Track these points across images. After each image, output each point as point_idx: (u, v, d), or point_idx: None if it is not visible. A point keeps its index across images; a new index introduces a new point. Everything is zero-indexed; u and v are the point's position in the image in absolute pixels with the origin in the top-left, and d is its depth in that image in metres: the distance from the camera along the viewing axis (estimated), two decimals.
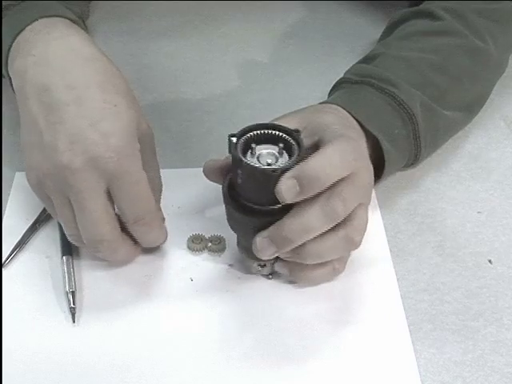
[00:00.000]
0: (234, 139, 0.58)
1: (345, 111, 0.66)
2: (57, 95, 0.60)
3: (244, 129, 0.59)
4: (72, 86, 0.60)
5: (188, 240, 0.67)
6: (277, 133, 0.59)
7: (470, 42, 0.75)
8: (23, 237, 0.67)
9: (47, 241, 0.67)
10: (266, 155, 0.58)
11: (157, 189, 0.65)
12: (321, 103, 0.69)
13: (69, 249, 0.65)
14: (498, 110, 0.82)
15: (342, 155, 0.57)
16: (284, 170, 0.56)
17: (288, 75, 0.88)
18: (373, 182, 0.63)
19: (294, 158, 0.57)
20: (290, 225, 0.57)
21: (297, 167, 0.56)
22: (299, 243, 0.58)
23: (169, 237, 0.67)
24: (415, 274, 0.65)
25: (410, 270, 0.65)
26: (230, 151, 0.58)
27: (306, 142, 0.60)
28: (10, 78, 0.67)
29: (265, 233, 0.59)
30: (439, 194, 0.73)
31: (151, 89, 0.85)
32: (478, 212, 0.71)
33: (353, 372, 0.58)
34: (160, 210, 0.65)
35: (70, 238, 0.63)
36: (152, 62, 0.89)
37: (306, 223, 0.57)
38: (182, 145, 0.77)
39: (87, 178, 0.58)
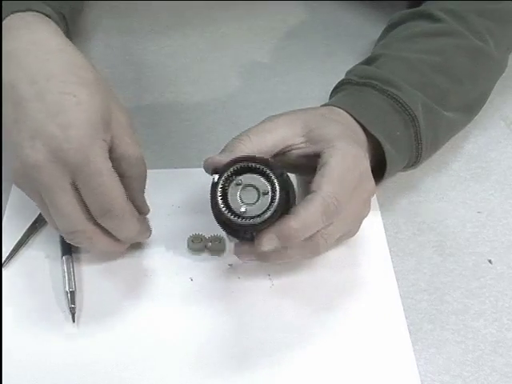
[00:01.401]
0: (216, 177, 0.58)
1: (348, 115, 0.66)
2: (20, 92, 0.59)
3: (231, 161, 0.58)
4: (34, 80, 0.59)
5: (188, 240, 0.67)
6: (264, 169, 0.57)
7: (470, 42, 0.75)
8: (23, 237, 0.67)
9: (47, 241, 0.67)
10: (246, 193, 0.58)
11: (138, 177, 0.63)
12: (324, 105, 0.69)
13: (69, 249, 0.65)
14: (498, 109, 0.82)
15: (328, 208, 0.58)
16: (254, 225, 0.57)
17: (288, 75, 0.88)
18: (370, 198, 0.63)
19: (268, 215, 0.57)
20: (273, 253, 0.59)
21: (280, 227, 0.57)
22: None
23: (169, 237, 0.67)
24: (415, 274, 0.65)
25: (409, 270, 0.65)
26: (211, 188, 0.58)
27: (309, 149, 0.61)
28: None
29: (247, 248, 0.60)
30: (439, 194, 0.73)
31: (151, 89, 0.85)
32: (478, 212, 0.71)
33: (353, 372, 0.58)
34: (142, 201, 0.64)
35: (56, 230, 0.62)
36: (152, 62, 0.89)
37: (287, 254, 0.60)
38: (181, 145, 0.77)
39: (51, 172, 0.57)
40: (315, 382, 0.57)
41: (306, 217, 0.58)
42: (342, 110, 0.66)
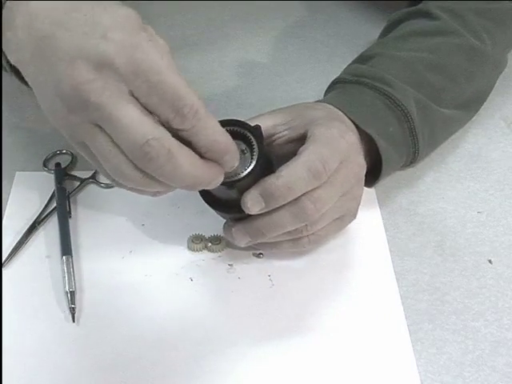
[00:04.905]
0: None
1: (338, 111, 0.66)
2: (39, 26, 0.53)
3: None
4: (51, 13, 0.53)
5: (188, 240, 0.67)
6: (237, 129, 0.58)
7: (466, 41, 0.75)
8: (23, 237, 0.67)
9: (47, 241, 0.67)
10: None
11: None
12: (314, 102, 0.69)
13: (69, 248, 0.65)
14: (498, 110, 0.82)
15: (311, 166, 0.58)
16: (238, 181, 0.57)
17: (288, 75, 0.88)
18: (361, 173, 0.64)
19: (250, 169, 0.58)
20: (262, 222, 0.60)
21: (262, 184, 0.58)
22: (272, 236, 0.61)
23: (169, 237, 0.67)
24: (415, 274, 0.65)
25: (409, 270, 0.65)
26: None
27: (292, 134, 0.63)
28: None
29: (240, 225, 0.61)
30: (439, 194, 0.73)
31: None
32: (478, 212, 0.71)
33: (353, 372, 0.58)
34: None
35: (118, 175, 0.54)
36: None
37: (276, 221, 0.60)
38: None
39: (102, 85, 0.50)
40: (315, 382, 0.57)
41: (289, 174, 0.58)
42: (328, 104, 0.67)
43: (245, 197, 0.58)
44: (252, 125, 0.59)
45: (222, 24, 0.96)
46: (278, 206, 0.59)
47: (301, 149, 0.60)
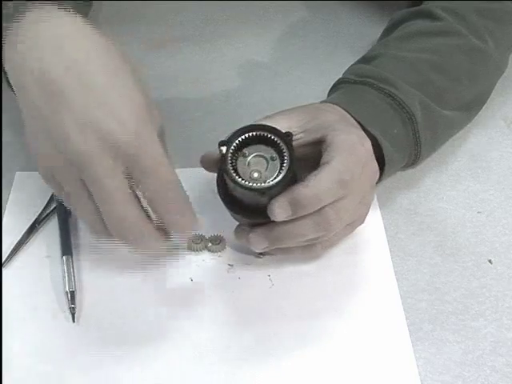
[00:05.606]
0: (224, 149, 0.58)
1: (344, 111, 0.66)
2: (55, 78, 0.56)
3: (235, 132, 0.59)
4: (70, 66, 0.57)
5: (188, 240, 0.67)
6: (268, 135, 0.58)
7: (469, 41, 0.75)
8: (23, 237, 0.67)
9: (47, 241, 0.67)
10: (255, 163, 0.58)
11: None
12: (321, 102, 0.69)
13: (69, 248, 0.65)
14: (498, 110, 0.82)
15: (340, 177, 0.58)
16: (270, 188, 0.57)
17: (288, 75, 0.88)
18: (375, 179, 0.64)
19: (282, 176, 0.57)
20: (283, 229, 0.59)
21: (291, 192, 0.58)
22: (292, 245, 0.61)
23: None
24: (415, 274, 0.65)
25: (409, 270, 0.66)
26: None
27: (308, 138, 0.62)
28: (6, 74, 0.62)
29: (259, 231, 0.60)
30: (439, 194, 0.73)
31: (151, 89, 0.85)
32: (478, 212, 0.71)
33: (353, 372, 0.58)
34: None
35: (89, 227, 0.60)
36: (152, 63, 0.89)
37: (298, 230, 0.59)
38: (181, 145, 0.77)
39: (104, 160, 0.55)
40: (315, 382, 0.57)
41: (318, 184, 0.58)
42: (338, 107, 0.67)
43: (273, 204, 0.58)
44: (283, 131, 0.59)
45: (222, 24, 0.96)
46: (304, 214, 0.58)
47: (326, 157, 0.60)
